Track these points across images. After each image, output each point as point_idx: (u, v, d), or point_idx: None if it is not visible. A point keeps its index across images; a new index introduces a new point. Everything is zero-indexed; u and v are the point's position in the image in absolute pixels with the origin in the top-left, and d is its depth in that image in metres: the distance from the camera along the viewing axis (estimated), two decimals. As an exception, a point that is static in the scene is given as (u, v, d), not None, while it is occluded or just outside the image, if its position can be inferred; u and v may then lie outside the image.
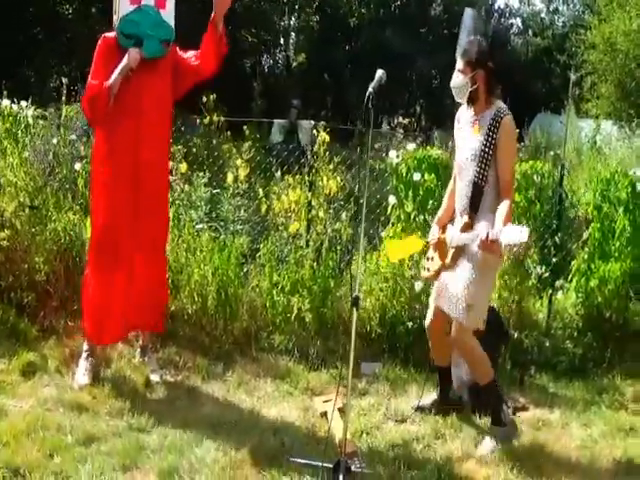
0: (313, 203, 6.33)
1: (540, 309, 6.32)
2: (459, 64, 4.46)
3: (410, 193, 6.21)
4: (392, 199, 6.13)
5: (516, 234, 3.98)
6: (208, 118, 9.77)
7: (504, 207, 4.38)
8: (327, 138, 6.63)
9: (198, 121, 10.49)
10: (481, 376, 4.61)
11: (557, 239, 6.45)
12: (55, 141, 7.06)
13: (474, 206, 4.48)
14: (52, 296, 5.64)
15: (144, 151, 4.73)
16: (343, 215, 6.26)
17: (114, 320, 4.88)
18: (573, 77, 12.33)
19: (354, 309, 4.01)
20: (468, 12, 4.55)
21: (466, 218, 4.49)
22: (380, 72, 4.19)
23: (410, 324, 5.72)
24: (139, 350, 5.21)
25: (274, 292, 5.81)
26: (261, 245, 6.14)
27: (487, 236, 4.16)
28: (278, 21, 24.96)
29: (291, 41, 26.15)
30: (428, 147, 6.76)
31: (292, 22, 25.67)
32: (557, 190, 6.74)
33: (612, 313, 6.24)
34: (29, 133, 6.81)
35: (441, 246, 4.69)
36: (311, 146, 6.76)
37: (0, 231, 5.58)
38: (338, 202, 6.52)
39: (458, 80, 4.48)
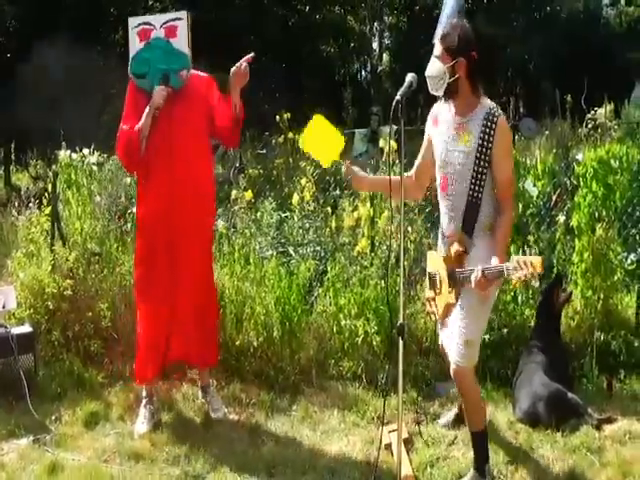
0: (376, 218, 6.09)
1: (629, 305, 5.86)
2: (437, 50, 3.84)
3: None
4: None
5: (526, 269, 3.46)
6: (282, 136, 9.69)
7: (504, 227, 3.89)
8: (394, 146, 6.35)
9: (274, 141, 10.46)
10: (476, 423, 4.08)
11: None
12: (128, 181, 7.08)
13: (468, 228, 3.93)
14: (118, 342, 5.62)
15: (178, 187, 4.62)
16: (409, 227, 6.01)
17: (157, 355, 4.82)
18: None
19: (400, 338, 3.77)
20: None
21: (456, 246, 3.93)
22: (410, 76, 3.82)
23: (487, 336, 5.35)
24: (200, 390, 5.10)
25: (340, 316, 5.60)
26: (329, 267, 5.95)
27: (484, 275, 3.66)
28: (359, 27, 24.69)
29: (374, 45, 25.79)
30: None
31: (375, 25, 25.32)
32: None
33: None
34: (94, 179, 6.83)
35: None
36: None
37: (63, 280, 5.60)
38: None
39: (434, 68, 3.85)
